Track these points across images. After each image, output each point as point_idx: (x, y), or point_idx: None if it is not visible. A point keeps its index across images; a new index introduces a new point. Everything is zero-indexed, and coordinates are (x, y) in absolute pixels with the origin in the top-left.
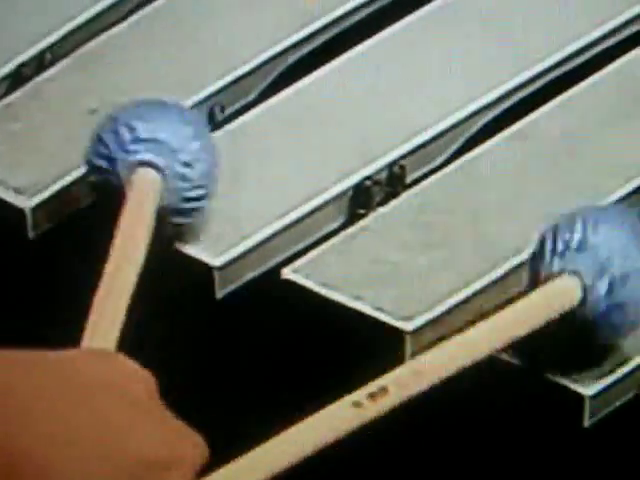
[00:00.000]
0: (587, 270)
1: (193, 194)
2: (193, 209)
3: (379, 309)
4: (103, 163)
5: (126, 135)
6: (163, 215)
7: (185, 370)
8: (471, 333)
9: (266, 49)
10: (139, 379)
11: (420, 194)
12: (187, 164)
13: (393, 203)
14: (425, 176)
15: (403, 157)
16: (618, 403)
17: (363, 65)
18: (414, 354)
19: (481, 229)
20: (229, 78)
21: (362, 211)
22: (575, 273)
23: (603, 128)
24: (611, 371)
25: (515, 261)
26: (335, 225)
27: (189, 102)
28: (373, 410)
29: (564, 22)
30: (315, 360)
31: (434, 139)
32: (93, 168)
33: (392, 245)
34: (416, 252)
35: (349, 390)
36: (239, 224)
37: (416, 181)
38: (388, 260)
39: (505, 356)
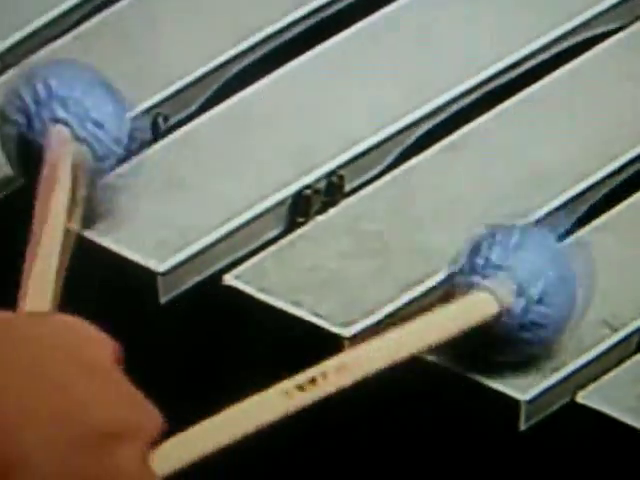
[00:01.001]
0: (504, 288)
1: (103, 153)
2: (104, 169)
3: (318, 315)
4: (19, 117)
5: (42, 91)
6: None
7: (128, 373)
8: (396, 334)
9: (209, 60)
10: (99, 344)
11: (358, 203)
12: (98, 124)
13: (331, 212)
14: (363, 185)
15: (341, 167)
16: (554, 407)
17: (302, 76)
18: None
19: (417, 238)
20: (172, 89)
21: (301, 219)
22: (492, 290)
23: (536, 140)
24: (547, 376)
25: (450, 268)
26: (275, 233)
27: (133, 112)
28: (302, 399)
29: (499, 36)
30: (256, 364)
31: (372, 149)
32: (10, 121)
33: (330, 253)
34: (354, 260)
35: None
36: (182, 231)
37: (354, 190)
38: (326, 267)
39: (441, 361)
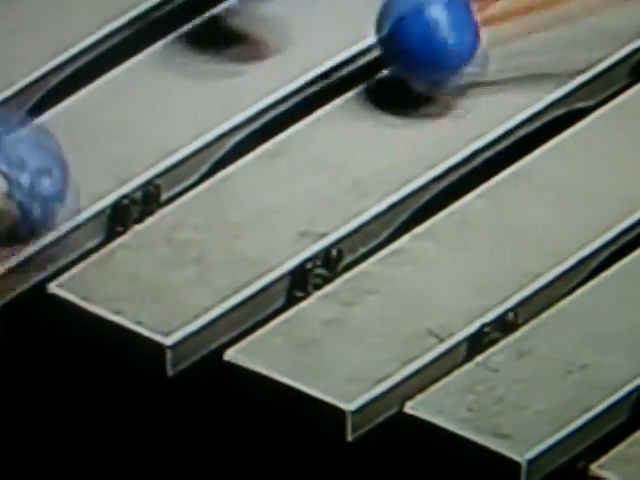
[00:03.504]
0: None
1: None
2: None
3: (139, 323)
4: None
5: None
6: None
7: None
8: None
9: (28, 73)
10: None
11: (175, 212)
12: None
13: (149, 221)
14: (179, 194)
15: (158, 176)
16: (382, 418)
17: (117, 89)
18: (175, 366)
19: (234, 246)
20: None
21: (120, 228)
22: None
23: (356, 147)
24: (372, 386)
25: (270, 277)
26: (96, 242)
27: None
28: None
29: (316, 43)
30: (81, 371)
31: (187, 158)
32: None
33: (149, 262)
34: (173, 268)
35: (110, 401)
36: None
37: (171, 199)
38: (146, 276)
39: (268, 371)
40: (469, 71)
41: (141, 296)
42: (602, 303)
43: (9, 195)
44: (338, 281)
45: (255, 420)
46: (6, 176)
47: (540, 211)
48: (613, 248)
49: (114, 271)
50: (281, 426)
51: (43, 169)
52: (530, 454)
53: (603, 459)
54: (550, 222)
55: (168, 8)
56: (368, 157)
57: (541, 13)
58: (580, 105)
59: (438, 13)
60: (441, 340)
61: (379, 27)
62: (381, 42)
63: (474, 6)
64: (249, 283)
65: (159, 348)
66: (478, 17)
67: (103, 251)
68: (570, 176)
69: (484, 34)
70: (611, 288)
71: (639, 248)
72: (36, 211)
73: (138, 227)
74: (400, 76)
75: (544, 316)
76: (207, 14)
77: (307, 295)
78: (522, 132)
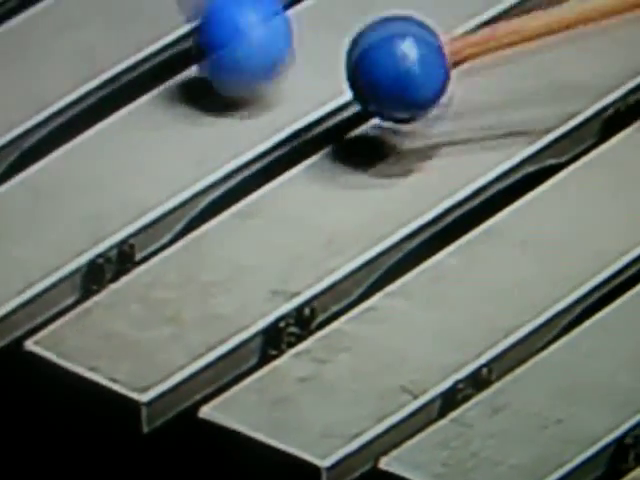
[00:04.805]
0: None
1: None
2: None
3: (114, 380)
4: None
5: None
6: None
7: None
8: None
9: (5, 132)
10: None
11: (149, 271)
12: None
13: (124, 280)
14: (154, 253)
15: (132, 236)
16: (356, 474)
17: (92, 148)
18: (150, 423)
19: (209, 304)
20: None
21: (95, 287)
22: None
23: (327, 205)
24: (347, 442)
25: (244, 335)
26: (72, 300)
27: None
28: None
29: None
30: (55, 429)
31: (161, 218)
32: None
33: (124, 320)
34: (147, 327)
35: (87, 458)
36: None
37: (146, 258)
38: (121, 334)
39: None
40: (436, 108)
41: (116, 354)
42: (577, 357)
43: None
44: (311, 339)
45: (232, 477)
46: None
47: (513, 267)
48: (587, 302)
49: (90, 329)
50: None
51: None
52: None
53: None
54: (523, 278)
55: (142, 69)
56: (341, 215)
57: (511, 48)
58: (551, 162)
59: (406, 46)
60: (415, 397)
61: (347, 61)
62: (348, 75)
63: (444, 41)
64: (223, 341)
65: (134, 405)
66: (447, 52)
67: (79, 309)
68: (543, 232)
69: (453, 71)
70: (586, 342)
71: (613, 302)
72: None
73: (113, 286)
74: (367, 111)
75: (518, 371)
76: (181, 75)
77: (281, 353)
78: (494, 189)
